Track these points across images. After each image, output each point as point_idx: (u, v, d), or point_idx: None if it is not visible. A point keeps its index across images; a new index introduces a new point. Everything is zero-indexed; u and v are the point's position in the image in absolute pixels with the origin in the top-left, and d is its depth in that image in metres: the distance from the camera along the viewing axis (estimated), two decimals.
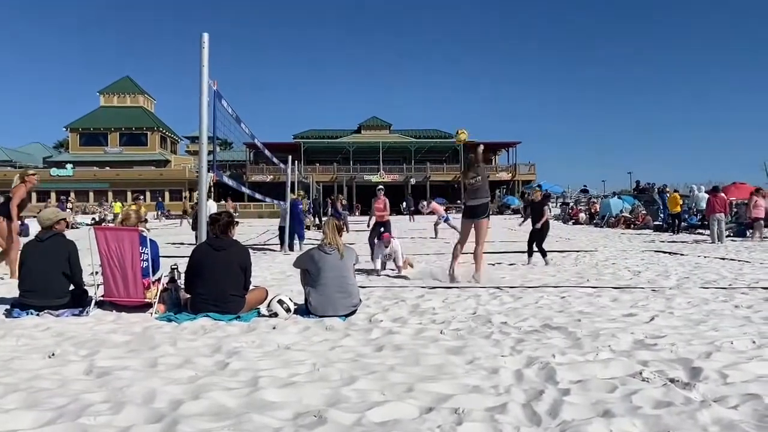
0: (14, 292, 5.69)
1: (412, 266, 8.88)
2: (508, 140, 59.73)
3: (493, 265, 9.68)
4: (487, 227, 7.99)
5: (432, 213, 19.42)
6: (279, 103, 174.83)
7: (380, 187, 14.02)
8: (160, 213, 40.42)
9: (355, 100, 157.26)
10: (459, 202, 34.42)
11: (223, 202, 17.87)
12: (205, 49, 6.60)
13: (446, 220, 17.69)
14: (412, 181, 56.37)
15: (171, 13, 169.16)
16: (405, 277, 8.17)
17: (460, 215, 8.90)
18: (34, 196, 51.80)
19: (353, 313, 5.32)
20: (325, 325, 4.84)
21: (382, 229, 10.40)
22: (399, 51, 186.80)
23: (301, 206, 14.71)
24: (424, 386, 3.14)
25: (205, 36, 6.64)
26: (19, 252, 8.01)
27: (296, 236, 14.03)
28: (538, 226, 10.14)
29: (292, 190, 15.07)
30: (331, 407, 2.77)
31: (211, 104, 6.87)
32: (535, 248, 10.08)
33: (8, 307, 5.38)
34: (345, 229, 11.60)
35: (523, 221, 12.05)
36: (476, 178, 7.82)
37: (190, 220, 19.86)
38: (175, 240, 17.24)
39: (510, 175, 58.32)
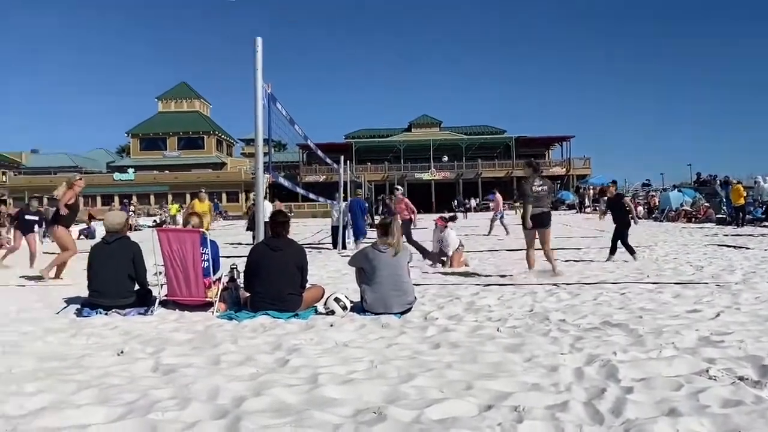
0: (84, 293, 5.94)
1: (467, 265, 8.84)
2: (562, 134, 58.63)
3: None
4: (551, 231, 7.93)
5: (494, 209, 19.14)
6: (330, 105, 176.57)
7: (397, 187, 14.13)
8: (216, 214, 41.45)
9: (406, 98, 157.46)
10: (514, 201, 33.82)
11: (276, 202, 18.17)
12: (258, 52, 6.73)
13: (501, 218, 17.52)
14: (471, 175, 55.92)
15: (223, 18, 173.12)
16: (454, 274, 8.14)
17: (511, 212, 8.80)
18: (98, 200, 54.06)
19: (408, 310, 5.34)
20: (381, 323, 4.87)
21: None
22: (446, 48, 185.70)
23: (365, 205, 14.76)
24: (483, 384, 3.13)
25: (259, 40, 6.77)
26: (74, 255, 8.50)
27: (357, 233, 14.13)
28: (635, 221, 9.97)
29: (345, 190, 15.22)
30: (390, 404, 2.79)
31: (265, 107, 7.01)
32: (619, 245, 9.64)
33: (79, 306, 5.63)
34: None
35: (602, 216, 11.74)
36: (543, 187, 7.76)
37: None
38: (233, 240, 17.63)
39: (564, 169, 57.21)
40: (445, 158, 55.05)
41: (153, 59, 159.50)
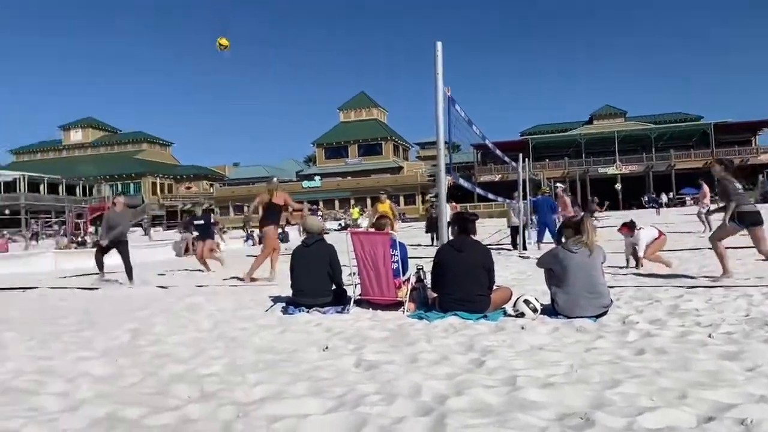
0: (286, 292, 6.47)
1: (669, 266, 8.17)
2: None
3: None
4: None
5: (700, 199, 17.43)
6: (502, 102, 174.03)
7: (558, 184, 13.41)
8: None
9: (585, 90, 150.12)
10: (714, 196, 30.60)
11: (452, 203, 18.31)
12: (439, 57, 6.84)
13: (707, 213, 15.84)
14: (662, 167, 51.89)
15: (398, 27, 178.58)
16: (650, 275, 7.56)
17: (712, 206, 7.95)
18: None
19: (604, 314, 5.07)
20: (576, 326, 4.68)
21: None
22: (629, 36, 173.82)
23: (554, 203, 14.28)
24: (699, 393, 2.87)
25: (438, 44, 6.87)
26: (272, 255, 9.44)
27: (540, 234, 13.77)
28: None
29: (524, 189, 14.90)
30: (596, 410, 2.67)
31: (445, 110, 7.10)
32: None
33: (284, 305, 6.15)
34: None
35: None
36: (739, 184, 6.99)
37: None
38: (412, 242, 18.06)
39: None
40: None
41: (335, 72, 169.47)
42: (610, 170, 53.72)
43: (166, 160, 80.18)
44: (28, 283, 10.16)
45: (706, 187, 17.14)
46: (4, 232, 34.45)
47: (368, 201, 57.13)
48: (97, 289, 9.04)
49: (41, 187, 60.22)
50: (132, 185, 70.98)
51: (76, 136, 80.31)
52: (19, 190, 58.06)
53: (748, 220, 6.84)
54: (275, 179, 10.65)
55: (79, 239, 28.36)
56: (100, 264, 10.04)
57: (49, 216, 55.18)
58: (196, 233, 13.01)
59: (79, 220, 43.59)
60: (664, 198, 45.52)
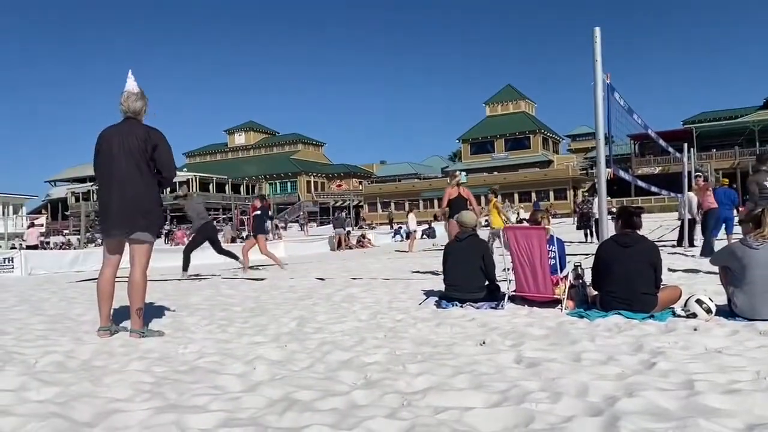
0: (440, 286, 6.53)
1: None
2: None
3: None
4: None
5: None
6: (662, 88, 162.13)
7: (698, 173, 11.92)
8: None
9: (759, 72, 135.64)
10: None
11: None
12: (597, 43, 6.55)
13: None
14: None
15: (553, 15, 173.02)
16: None
17: None
18: (435, 203, 59.12)
19: None
20: (759, 330, 4.26)
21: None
22: None
23: (734, 194, 12.74)
24: None
25: (597, 30, 6.59)
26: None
27: (722, 226, 12.45)
28: None
29: (689, 180, 13.80)
30: None
31: (605, 98, 6.77)
32: None
33: (437, 299, 6.21)
34: None
35: None
36: None
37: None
38: (564, 239, 17.44)
39: None
40: None
41: (481, 66, 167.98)
42: None
43: (319, 160, 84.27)
44: (201, 274, 11.17)
45: None
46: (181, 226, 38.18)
47: (516, 197, 55.98)
48: (263, 279, 9.73)
49: (210, 186, 66.03)
50: (289, 184, 75.50)
51: (239, 138, 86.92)
52: (191, 189, 64.14)
53: None
54: (460, 173, 10.65)
55: (243, 234, 30.65)
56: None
57: (218, 213, 60.38)
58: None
59: (243, 217, 47.10)
60: None
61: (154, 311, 6.02)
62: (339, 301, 6.72)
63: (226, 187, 67.96)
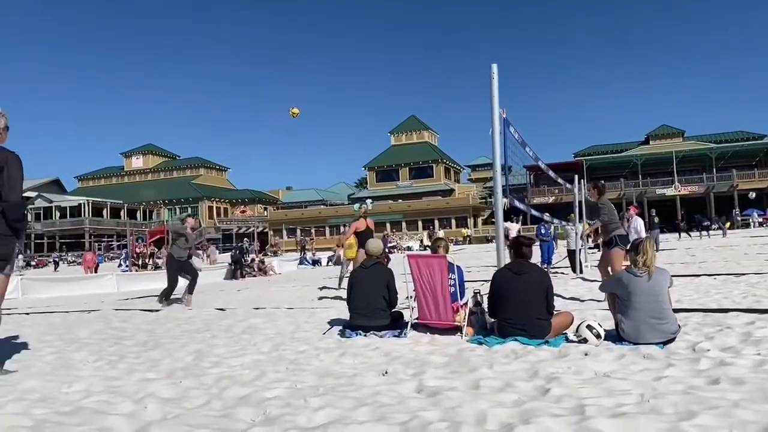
0: (345, 314, 6.48)
1: None
2: None
3: None
4: None
5: None
6: (555, 124, 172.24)
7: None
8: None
9: (640, 110, 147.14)
10: None
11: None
12: (494, 78, 6.82)
13: None
14: (724, 188, 50.10)
15: (447, 49, 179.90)
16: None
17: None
18: (341, 229, 59.23)
19: (672, 340, 4.87)
20: (642, 353, 4.52)
21: None
22: (690, 51, 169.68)
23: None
24: None
25: (494, 67, 6.85)
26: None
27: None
28: None
29: (580, 210, 14.63)
30: None
31: (501, 132, 7.05)
32: None
33: (341, 327, 6.15)
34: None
35: None
36: None
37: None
38: (472, 264, 17.88)
39: None
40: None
41: (385, 97, 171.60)
42: (669, 191, 52.13)
43: (222, 185, 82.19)
44: (92, 305, 10.50)
45: None
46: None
47: (419, 224, 57.14)
48: (159, 310, 9.28)
49: (104, 211, 62.72)
50: (189, 209, 73.02)
51: (137, 162, 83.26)
52: (84, 214, 60.69)
53: None
54: (368, 202, 10.71)
55: (140, 262, 29.21)
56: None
57: (112, 239, 57.37)
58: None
59: (138, 243, 44.99)
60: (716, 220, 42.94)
61: (35, 347, 5.58)
62: (239, 332, 6.51)
63: (122, 212, 64.78)
